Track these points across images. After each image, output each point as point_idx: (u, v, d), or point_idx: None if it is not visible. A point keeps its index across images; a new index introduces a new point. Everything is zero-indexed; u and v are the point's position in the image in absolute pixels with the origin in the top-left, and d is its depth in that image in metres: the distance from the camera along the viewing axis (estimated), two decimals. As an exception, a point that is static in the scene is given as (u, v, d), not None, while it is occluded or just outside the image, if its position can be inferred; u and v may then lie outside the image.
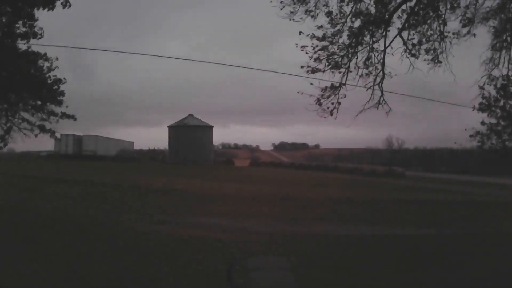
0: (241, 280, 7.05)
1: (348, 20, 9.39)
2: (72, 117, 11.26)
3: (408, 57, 9.65)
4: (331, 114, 9.58)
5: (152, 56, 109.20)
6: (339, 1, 9.16)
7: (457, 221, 15.36)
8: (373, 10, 9.45)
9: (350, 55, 9.76)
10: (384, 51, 9.71)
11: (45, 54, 10.42)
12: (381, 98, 9.86)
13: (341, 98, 9.65)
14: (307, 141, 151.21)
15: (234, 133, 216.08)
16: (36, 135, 11.02)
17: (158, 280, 6.79)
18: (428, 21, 9.52)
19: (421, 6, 9.42)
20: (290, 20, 9.08)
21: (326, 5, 9.16)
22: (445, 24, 9.51)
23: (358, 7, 9.33)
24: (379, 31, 9.68)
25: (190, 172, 33.52)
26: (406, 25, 9.48)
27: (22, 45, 9.95)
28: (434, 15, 9.48)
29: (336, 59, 9.67)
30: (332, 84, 9.67)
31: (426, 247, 10.77)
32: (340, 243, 10.69)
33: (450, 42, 9.64)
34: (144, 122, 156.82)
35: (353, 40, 9.65)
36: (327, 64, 9.59)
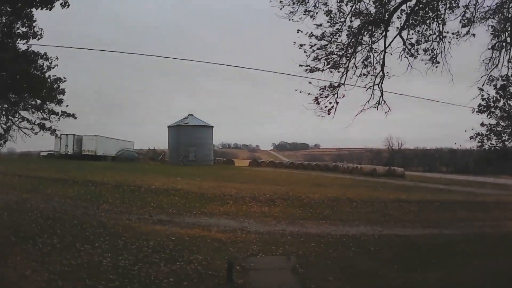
0: (241, 280, 7.08)
1: (348, 19, 9.37)
2: (73, 116, 11.21)
3: (406, 57, 9.63)
4: (329, 114, 9.55)
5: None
6: (338, 1, 9.15)
7: (457, 221, 15.38)
8: (372, 10, 9.45)
9: (349, 55, 9.73)
10: (384, 51, 9.67)
11: (45, 53, 10.39)
12: (381, 98, 9.84)
13: (340, 97, 9.60)
14: (307, 141, 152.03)
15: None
16: (36, 133, 10.95)
17: (158, 280, 6.81)
18: (428, 21, 9.51)
19: (420, 6, 9.40)
20: (289, 20, 9.08)
21: (326, 4, 9.15)
22: (444, 24, 9.51)
23: (357, 6, 9.31)
24: (379, 31, 9.65)
25: (190, 172, 33.50)
26: (406, 25, 9.46)
27: (21, 45, 9.93)
28: (433, 15, 9.47)
29: (335, 58, 9.65)
30: (330, 84, 9.64)
31: (426, 247, 10.79)
32: (340, 243, 10.72)
33: (449, 42, 9.63)
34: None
35: (352, 40, 9.63)
36: (326, 63, 9.56)
